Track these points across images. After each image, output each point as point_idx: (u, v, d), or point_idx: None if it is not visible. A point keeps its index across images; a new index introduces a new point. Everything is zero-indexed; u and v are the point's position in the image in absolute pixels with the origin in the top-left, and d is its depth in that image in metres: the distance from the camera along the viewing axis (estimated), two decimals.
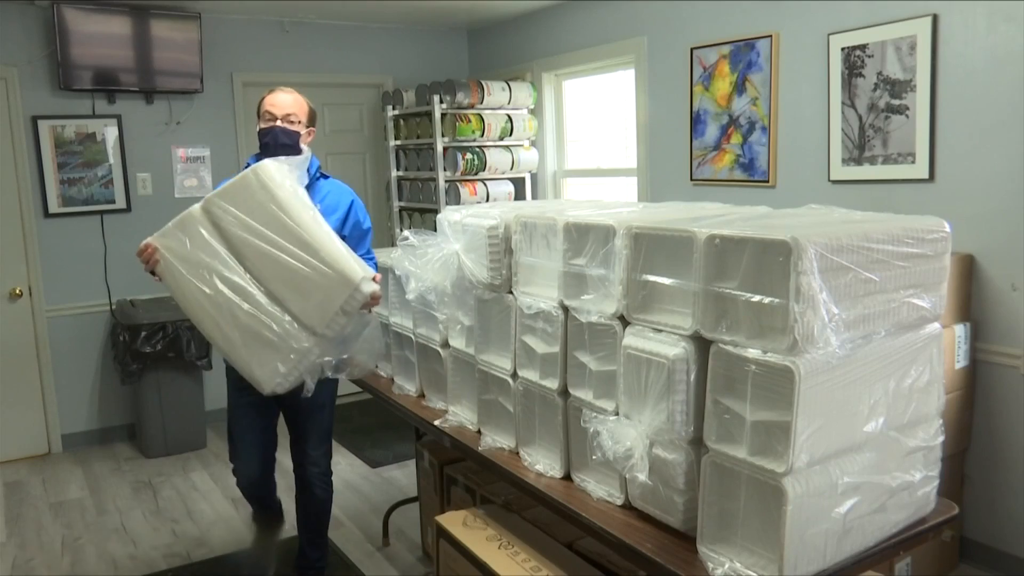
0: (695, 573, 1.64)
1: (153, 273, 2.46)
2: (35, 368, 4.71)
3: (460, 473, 2.92)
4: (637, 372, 1.78)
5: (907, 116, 3.15)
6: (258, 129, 2.75)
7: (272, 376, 2.36)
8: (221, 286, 2.33)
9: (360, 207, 2.85)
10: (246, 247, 2.35)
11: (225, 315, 2.34)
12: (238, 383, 2.63)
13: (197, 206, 2.42)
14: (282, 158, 2.53)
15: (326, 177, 2.84)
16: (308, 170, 2.72)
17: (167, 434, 4.68)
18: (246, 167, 2.56)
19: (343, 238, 2.60)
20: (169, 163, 4.97)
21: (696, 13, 4.06)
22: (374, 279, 2.44)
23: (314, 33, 5.33)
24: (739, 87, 3.85)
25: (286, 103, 2.74)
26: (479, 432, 2.49)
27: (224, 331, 2.35)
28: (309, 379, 2.41)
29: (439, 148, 4.96)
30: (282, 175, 2.40)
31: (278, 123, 2.70)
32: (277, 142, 2.69)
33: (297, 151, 2.72)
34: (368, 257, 2.81)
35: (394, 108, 5.32)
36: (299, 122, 2.74)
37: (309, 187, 2.68)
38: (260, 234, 2.33)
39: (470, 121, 5.00)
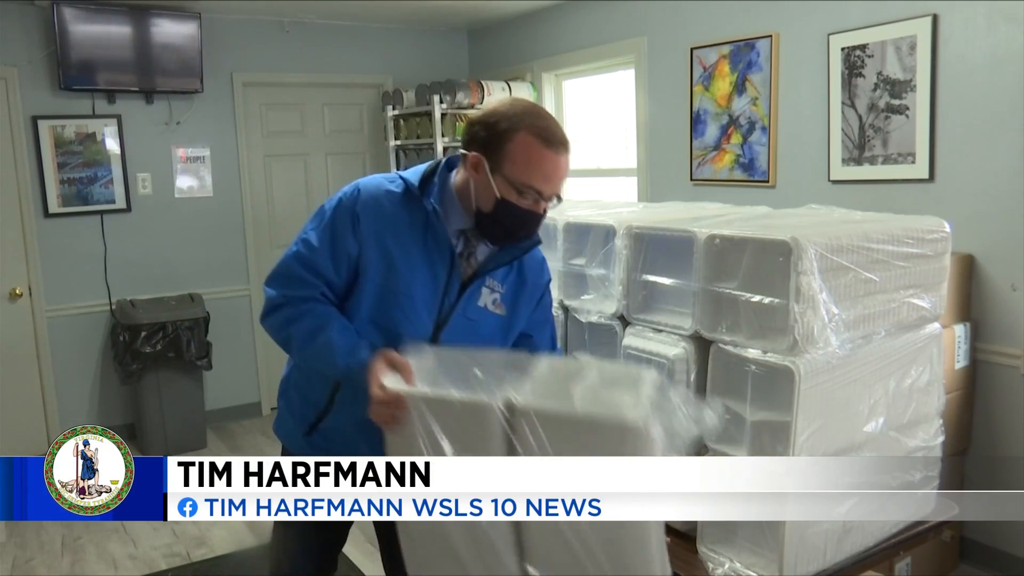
0: (695, 573, 1.64)
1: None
2: (35, 368, 4.71)
3: None
4: None
5: (907, 116, 3.15)
6: (499, 199, 1.56)
7: None
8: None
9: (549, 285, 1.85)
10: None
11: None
12: None
13: (516, 400, 1.38)
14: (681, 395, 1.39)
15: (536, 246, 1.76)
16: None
17: (167, 434, 4.68)
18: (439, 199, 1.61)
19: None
20: (169, 163, 4.96)
21: (696, 13, 4.06)
22: None
23: (314, 33, 5.33)
24: (739, 87, 3.85)
25: (564, 173, 1.60)
26: None
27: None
28: None
29: (439, 148, 4.96)
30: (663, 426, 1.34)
31: (544, 205, 1.60)
32: (531, 236, 1.66)
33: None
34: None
35: (394, 108, 5.31)
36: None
37: (509, 272, 1.70)
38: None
39: None
